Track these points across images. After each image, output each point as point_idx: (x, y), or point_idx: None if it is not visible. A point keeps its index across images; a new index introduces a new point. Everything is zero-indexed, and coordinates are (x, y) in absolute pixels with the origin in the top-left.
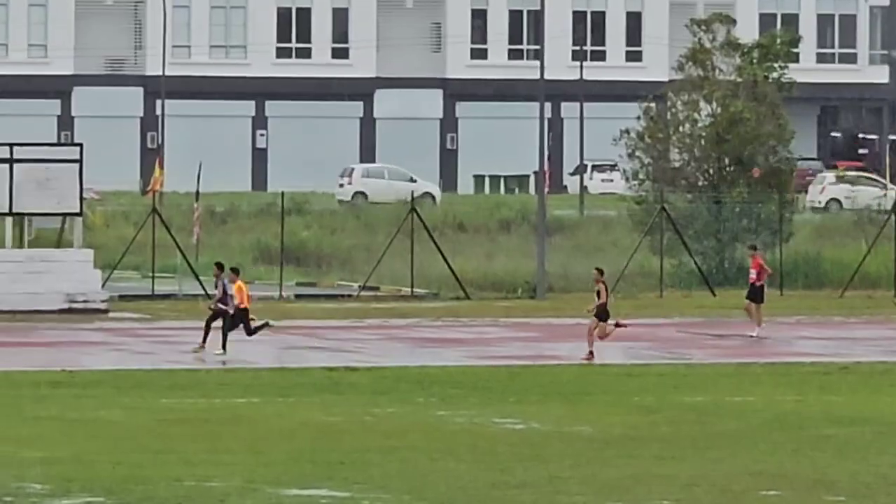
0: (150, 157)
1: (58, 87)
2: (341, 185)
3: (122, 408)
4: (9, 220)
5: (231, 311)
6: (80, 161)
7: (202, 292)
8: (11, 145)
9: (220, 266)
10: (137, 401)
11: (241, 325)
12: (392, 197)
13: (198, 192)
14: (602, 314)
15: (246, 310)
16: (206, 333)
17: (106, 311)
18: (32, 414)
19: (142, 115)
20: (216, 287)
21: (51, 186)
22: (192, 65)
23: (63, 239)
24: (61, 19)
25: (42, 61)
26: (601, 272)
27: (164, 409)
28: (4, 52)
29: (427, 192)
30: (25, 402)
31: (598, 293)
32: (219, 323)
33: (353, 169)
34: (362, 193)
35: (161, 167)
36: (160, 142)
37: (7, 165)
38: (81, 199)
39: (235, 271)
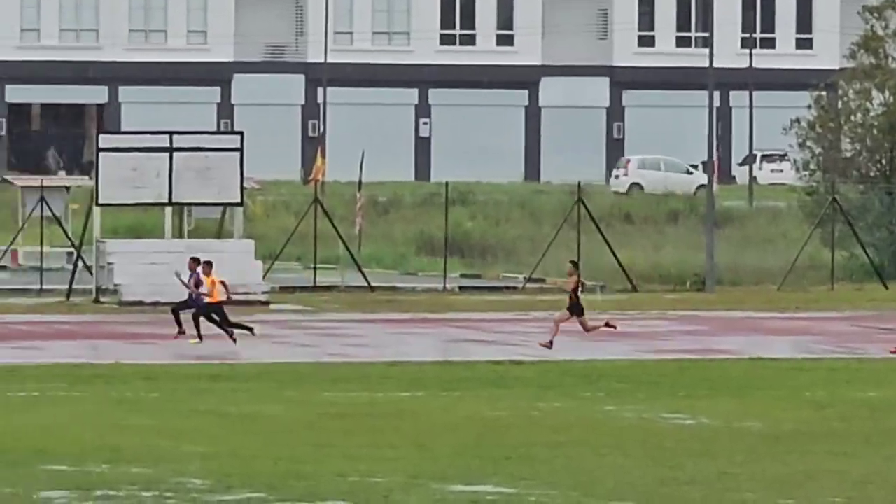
0: (312, 145)
1: (218, 75)
2: (616, 177)
3: (283, 402)
4: (168, 209)
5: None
6: (240, 150)
7: (365, 284)
8: (171, 133)
9: (196, 260)
10: (298, 394)
11: (219, 318)
12: (668, 188)
13: (360, 182)
14: (576, 308)
15: (220, 304)
16: (179, 322)
17: (267, 303)
18: (192, 408)
19: (303, 102)
20: (189, 280)
21: (211, 175)
22: (354, 52)
23: (223, 229)
24: (221, 5)
25: (202, 48)
26: (575, 265)
27: (326, 402)
28: (163, 38)
29: (703, 185)
30: (185, 396)
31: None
32: (204, 318)
33: (628, 160)
34: (638, 185)
35: (323, 156)
36: (322, 130)
37: (167, 154)
38: (242, 188)
39: (209, 265)
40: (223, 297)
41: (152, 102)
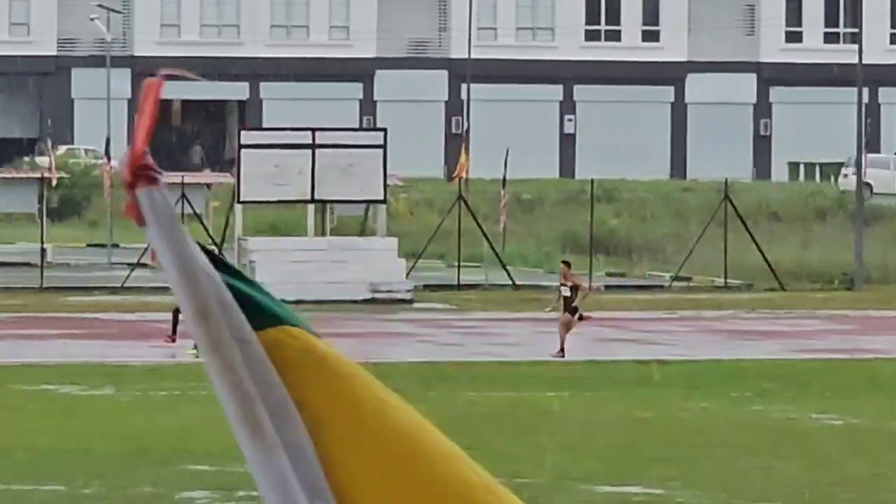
0: (455, 142)
1: (360, 70)
2: (845, 175)
3: (427, 401)
4: (311, 207)
5: None
6: (383, 146)
7: (509, 282)
8: (313, 130)
9: None
10: (443, 394)
11: None
12: None
13: (504, 179)
14: (571, 308)
15: None
16: (175, 324)
17: (411, 302)
18: None
19: (446, 99)
20: None
21: (354, 173)
22: (497, 47)
23: (366, 227)
24: (364, 1)
25: (344, 44)
26: (568, 265)
27: (471, 402)
28: (306, 34)
29: None
30: None
31: (571, 287)
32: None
33: None
34: (867, 184)
35: (467, 153)
36: (465, 127)
37: (309, 151)
38: (385, 185)
39: None
40: None
41: (294, 99)
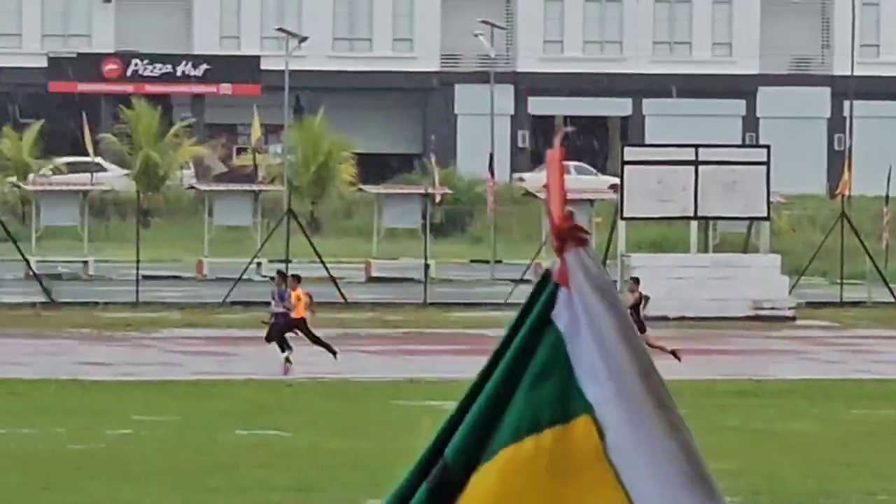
0: (838, 159)
1: (743, 87)
2: None
3: (811, 418)
4: (694, 223)
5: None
6: (767, 163)
7: (893, 300)
8: (696, 146)
9: (282, 275)
10: (827, 411)
11: (303, 333)
12: None
13: (887, 196)
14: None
15: (302, 320)
16: (318, 342)
17: (793, 319)
18: (718, 423)
19: (828, 116)
20: (276, 296)
21: (737, 189)
22: (880, 64)
23: (749, 244)
24: (747, 17)
25: (727, 60)
26: (637, 282)
27: (855, 420)
28: (688, 50)
29: None
30: (711, 412)
31: (632, 306)
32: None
33: None
34: None
35: (849, 170)
36: (848, 144)
37: (692, 167)
38: (769, 202)
39: (297, 279)
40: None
41: (676, 115)
